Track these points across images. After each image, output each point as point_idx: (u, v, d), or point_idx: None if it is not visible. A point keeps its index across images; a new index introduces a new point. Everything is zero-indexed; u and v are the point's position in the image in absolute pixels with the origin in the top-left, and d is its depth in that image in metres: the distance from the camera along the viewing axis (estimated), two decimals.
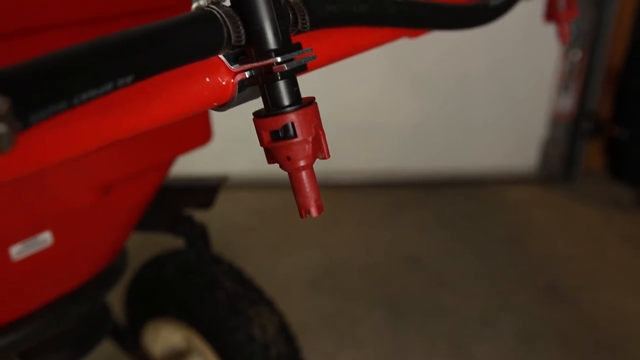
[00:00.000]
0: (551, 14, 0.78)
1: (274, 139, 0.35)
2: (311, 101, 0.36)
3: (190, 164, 1.42)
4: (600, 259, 1.86)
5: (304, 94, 0.36)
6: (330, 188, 2.24)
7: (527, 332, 1.54)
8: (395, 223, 2.05)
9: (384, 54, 2.09)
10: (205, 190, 0.92)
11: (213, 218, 1.12)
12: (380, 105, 2.23)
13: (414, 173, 2.29)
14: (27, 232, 0.68)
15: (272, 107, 0.35)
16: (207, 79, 0.35)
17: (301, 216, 0.37)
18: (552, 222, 2.06)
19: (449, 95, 2.22)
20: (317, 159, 0.37)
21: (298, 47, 0.35)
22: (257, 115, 0.36)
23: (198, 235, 0.90)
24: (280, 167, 0.37)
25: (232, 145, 2.07)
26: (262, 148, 0.37)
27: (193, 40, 0.32)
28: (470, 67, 2.17)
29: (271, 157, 0.37)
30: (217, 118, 0.96)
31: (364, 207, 2.16)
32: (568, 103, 2.21)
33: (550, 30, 0.80)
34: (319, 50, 0.39)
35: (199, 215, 0.96)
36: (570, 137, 2.27)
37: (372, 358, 1.47)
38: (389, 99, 2.23)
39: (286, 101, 0.35)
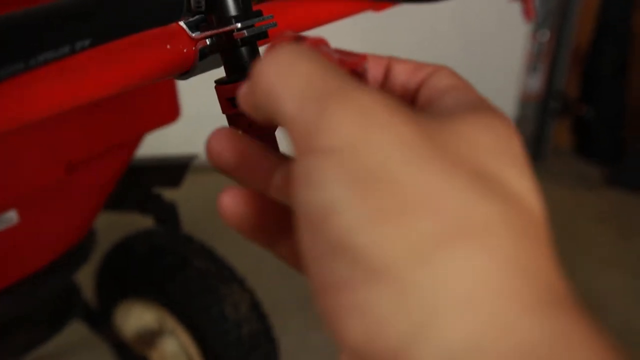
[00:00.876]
0: None
1: (234, 106, 0.35)
2: None
3: (162, 147, 1.41)
4: (570, 237, 1.90)
5: None
6: None
7: None
8: None
9: (350, 32, 2.09)
10: (174, 169, 0.92)
11: (184, 200, 1.12)
12: None
13: None
14: None
15: (233, 74, 0.35)
16: (168, 46, 0.35)
17: None
18: None
19: None
20: None
21: (259, 14, 0.35)
22: (219, 82, 0.36)
23: (167, 214, 0.90)
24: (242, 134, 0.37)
25: (203, 128, 2.05)
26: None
27: (153, 6, 0.32)
28: (440, 49, 2.18)
29: (233, 125, 0.37)
30: (187, 100, 0.95)
31: None
32: (536, 83, 2.24)
33: (518, 10, 0.81)
34: (281, 20, 0.39)
35: (169, 197, 0.96)
36: (539, 117, 2.31)
37: None
38: None
39: (247, 68, 0.35)
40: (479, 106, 0.23)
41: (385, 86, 0.28)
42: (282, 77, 0.21)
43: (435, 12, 2.00)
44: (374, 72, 0.28)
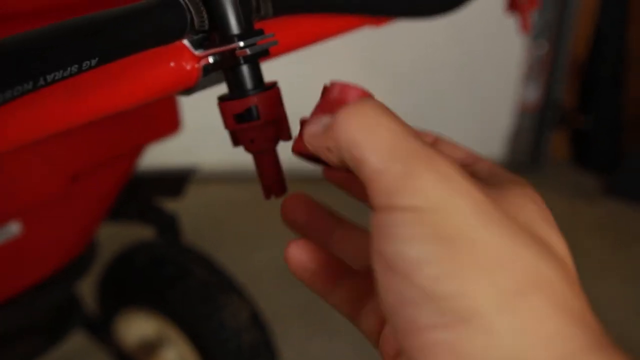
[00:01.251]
0: (512, 5, 0.79)
1: (238, 122, 0.36)
2: (274, 85, 0.37)
3: (162, 157, 1.42)
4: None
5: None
6: (302, 181, 2.25)
7: None
8: (365, 214, 2.07)
9: (352, 46, 2.11)
10: (175, 180, 0.93)
11: (185, 211, 1.13)
12: None
13: None
14: None
15: (236, 91, 0.36)
16: (172, 64, 0.36)
17: (265, 197, 0.38)
18: None
19: (416, 86, 2.24)
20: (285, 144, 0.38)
21: (260, 32, 0.36)
22: (222, 99, 0.37)
23: (168, 225, 0.91)
24: (245, 149, 0.38)
25: (204, 138, 2.06)
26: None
27: (157, 25, 0.33)
28: (438, 58, 2.19)
29: (236, 140, 0.38)
30: (188, 111, 0.96)
31: (335, 199, 2.18)
32: (534, 94, 2.25)
33: (515, 22, 0.82)
34: (282, 36, 0.40)
35: (171, 208, 0.96)
36: (536, 127, 2.32)
37: (343, 348, 1.49)
38: None
39: (249, 85, 0.36)
40: (514, 180, 0.27)
41: None
42: (368, 130, 0.23)
43: (432, 24, 2.02)
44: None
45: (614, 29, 2.13)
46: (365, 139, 0.23)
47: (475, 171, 0.28)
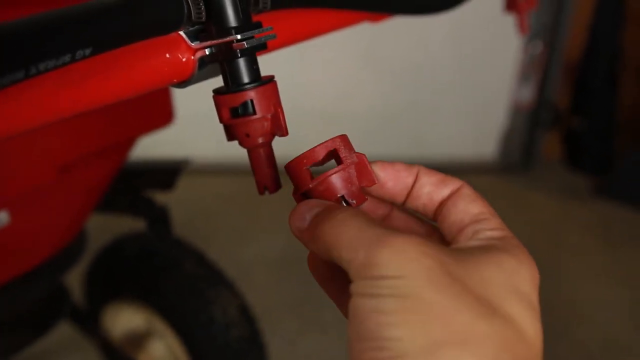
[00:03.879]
0: (510, 5, 0.79)
1: (233, 116, 0.36)
2: (270, 79, 0.36)
3: (154, 149, 1.41)
4: (557, 247, 1.91)
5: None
6: None
7: None
8: None
9: (350, 43, 2.10)
10: (167, 172, 0.92)
11: (176, 203, 1.12)
12: (344, 92, 2.24)
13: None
14: None
15: (232, 84, 0.35)
16: (167, 55, 0.35)
17: (259, 192, 0.38)
18: (511, 211, 2.10)
19: (411, 84, 2.24)
20: (279, 139, 0.37)
21: (258, 25, 0.35)
22: (217, 92, 0.36)
23: (159, 217, 0.90)
24: (239, 144, 0.37)
25: (196, 130, 2.05)
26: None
27: (153, 15, 0.32)
28: (433, 57, 2.19)
29: (230, 135, 0.37)
30: (181, 102, 0.95)
31: None
32: (528, 93, 2.26)
33: (511, 22, 0.81)
34: (279, 30, 0.40)
35: (162, 199, 0.96)
36: (529, 127, 2.32)
37: (335, 343, 1.49)
38: (353, 87, 2.24)
39: (246, 79, 0.35)
40: (496, 245, 0.30)
41: (412, 194, 0.35)
42: (337, 232, 0.30)
43: (428, 24, 2.01)
44: (405, 180, 0.35)
45: (608, 31, 2.14)
46: (336, 240, 0.29)
47: (479, 230, 0.32)
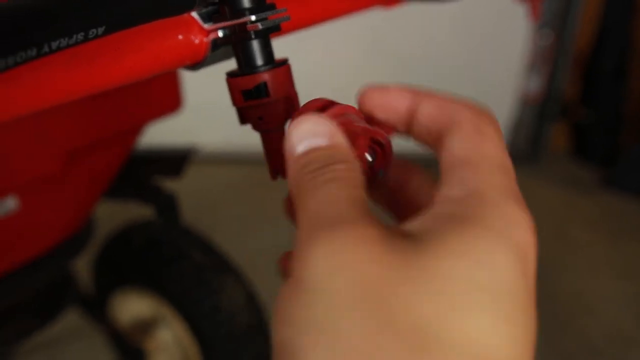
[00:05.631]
0: None
1: (247, 99, 0.35)
2: (284, 62, 0.36)
3: (161, 138, 1.41)
4: (562, 239, 1.91)
5: None
6: None
7: None
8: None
9: (355, 34, 2.09)
10: (175, 160, 0.92)
11: (183, 193, 1.12)
12: (349, 83, 2.23)
13: None
14: None
15: (246, 66, 0.35)
16: (180, 37, 0.34)
17: (272, 178, 0.37)
18: None
19: (418, 75, 2.23)
20: None
21: (272, 6, 0.35)
22: (230, 75, 0.36)
23: (167, 205, 0.90)
24: (252, 127, 0.37)
25: (204, 119, 2.05)
26: (234, 121, 0.37)
27: None
28: (442, 47, 2.18)
29: (243, 118, 0.37)
30: (189, 92, 0.95)
31: None
32: (536, 85, 2.24)
33: (520, 12, 0.80)
34: (293, 13, 0.39)
35: (171, 187, 0.95)
36: (537, 119, 2.31)
37: None
38: (359, 78, 2.23)
39: (259, 61, 0.35)
40: (475, 214, 0.22)
41: (411, 125, 0.29)
42: (301, 197, 0.24)
43: (435, 13, 2.00)
44: (401, 109, 0.29)
45: (618, 23, 2.12)
46: (301, 201, 0.24)
47: (445, 163, 0.25)
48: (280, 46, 0.46)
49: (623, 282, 1.72)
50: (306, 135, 0.26)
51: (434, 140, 0.28)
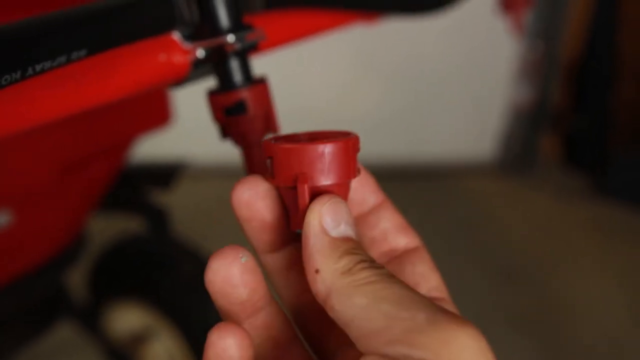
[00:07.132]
0: (508, 4, 0.79)
1: (227, 115, 0.37)
2: (262, 79, 0.37)
3: (153, 153, 1.42)
4: (555, 247, 1.92)
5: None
6: None
7: (480, 315, 1.59)
8: None
9: (346, 44, 2.11)
10: (166, 172, 0.93)
11: (175, 206, 1.13)
12: (340, 93, 2.25)
13: (373, 162, 2.32)
14: None
15: (225, 84, 0.36)
16: (161, 57, 0.36)
17: None
18: (511, 211, 2.11)
19: (409, 85, 2.24)
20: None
21: (250, 27, 0.36)
22: (211, 92, 0.37)
23: (158, 217, 0.91)
24: (233, 143, 0.38)
25: (196, 133, 2.06)
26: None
27: (147, 17, 0.33)
28: (432, 57, 2.19)
29: (224, 133, 0.38)
30: (180, 107, 0.96)
31: None
32: (527, 94, 2.26)
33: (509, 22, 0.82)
34: (272, 31, 0.41)
35: (162, 200, 0.96)
36: (528, 127, 2.32)
37: None
38: (350, 88, 2.24)
39: (238, 79, 0.36)
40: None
41: (367, 218, 0.29)
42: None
43: (426, 24, 2.02)
44: (373, 199, 0.29)
45: (603, 34, 2.14)
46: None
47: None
48: (269, 60, 0.48)
49: (617, 288, 1.73)
50: (342, 220, 0.25)
51: (388, 251, 0.30)
